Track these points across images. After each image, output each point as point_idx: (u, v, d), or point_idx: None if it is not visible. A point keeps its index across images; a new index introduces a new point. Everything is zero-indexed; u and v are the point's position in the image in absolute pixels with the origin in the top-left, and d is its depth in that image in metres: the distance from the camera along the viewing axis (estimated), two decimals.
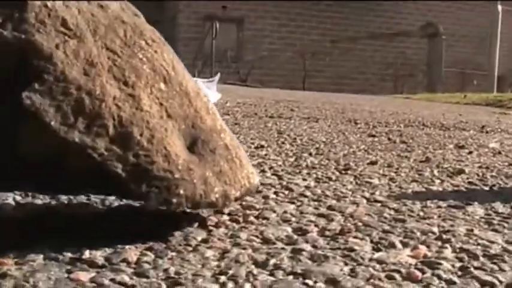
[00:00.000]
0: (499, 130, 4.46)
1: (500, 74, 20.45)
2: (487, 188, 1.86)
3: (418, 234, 1.23)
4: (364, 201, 1.54)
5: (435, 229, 1.27)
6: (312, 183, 1.76)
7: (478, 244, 1.18)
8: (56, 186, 1.07)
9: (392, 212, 1.42)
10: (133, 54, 1.18)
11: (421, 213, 1.42)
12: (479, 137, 3.73)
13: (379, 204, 1.50)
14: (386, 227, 1.27)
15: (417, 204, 1.52)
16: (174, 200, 1.07)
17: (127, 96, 1.11)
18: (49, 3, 1.13)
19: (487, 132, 4.29)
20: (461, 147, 3.00)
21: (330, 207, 1.44)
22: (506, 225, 1.36)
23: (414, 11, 25.36)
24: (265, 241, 1.14)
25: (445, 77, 21.40)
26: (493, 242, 1.20)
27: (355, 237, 1.19)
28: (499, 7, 18.80)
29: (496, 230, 1.30)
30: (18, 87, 1.02)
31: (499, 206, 1.56)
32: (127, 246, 1.05)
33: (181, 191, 1.08)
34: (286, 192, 1.62)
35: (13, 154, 1.03)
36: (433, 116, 5.63)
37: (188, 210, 1.14)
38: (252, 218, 1.30)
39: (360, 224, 1.29)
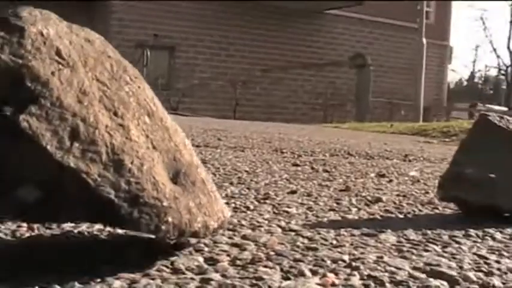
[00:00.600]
0: (422, 158, 4.59)
1: (426, 105, 21.02)
2: (401, 216, 1.91)
3: (329, 262, 1.25)
4: (279, 230, 1.56)
5: (346, 257, 1.30)
6: (229, 213, 1.77)
7: (386, 271, 1.21)
8: (48, 212, 1.06)
9: (305, 241, 1.44)
10: (120, 87, 1.22)
11: (334, 242, 1.45)
12: (401, 165, 3.82)
13: (293, 233, 1.52)
14: (298, 256, 1.29)
15: (331, 233, 1.54)
16: (163, 228, 1.10)
17: (117, 125, 1.15)
18: (44, 32, 1.14)
19: (409, 160, 4.40)
20: (382, 175, 3.07)
21: (244, 237, 1.45)
22: (415, 251, 1.40)
23: (344, 42, 25.90)
24: (175, 271, 1.14)
25: (373, 107, 21.86)
26: (400, 269, 1.23)
27: (265, 266, 1.20)
28: (424, 40, 19.38)
29: (404, 257, 1.34)
30: (15, 110, 1.02)
31: (411, 233, 1.60)
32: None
33: (170, 219, 1.11)
34: None
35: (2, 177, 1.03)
36: (359, 145, 5.74)
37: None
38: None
39: (272, 253, 1.30)
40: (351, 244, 1.43)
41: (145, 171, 1.12)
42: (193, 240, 1.32)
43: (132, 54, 20.79)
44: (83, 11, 19.63)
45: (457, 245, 1.50)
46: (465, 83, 57.35)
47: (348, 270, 1.19)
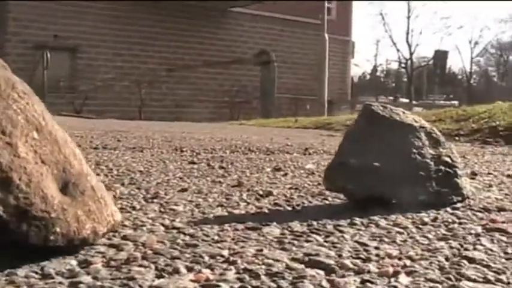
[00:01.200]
0: (322, 151, 4.64)
1: (330, 98, 21.44)
2: (290, 208, 1.91)
3: (206, 258, 1.23)
4: (162, 228, 1.53)
5: (225, 252, 1.29)
6: (119, 216, 1.73)
7: (263, 264, 1.20)
8: None
9: (186, 238, 1.42)
10: (8, 105, 1.26)
11: (216, 237, 1.43)
12: (299, 159, 3.86)
13: (175, 231, 1.49)
14: (176, 253, 1.27)
15: (214, 229, 1.53)
16: (52, 238, 1.17)
17: (5, 144, 1.19)
18: None
19: (309, 154, 4.45)
20: (278, 169, 3.08)
21: (124, 237, 1.41)
22: (296, 242, 1.40)
23: (248, 40, 26.08)
24: (44, 276, 1.09)
25: (279, 103, 22.09)
26: (278, 261, 1.23)
27: (140, 265, 1.17)
28: (326, 35, 19.75)
29: (284, 249, 1.34)
30: None
31: (296, 225, 1.61)
32: None
33: (58, 229, 1.18)
34: None
35: None
36: (261, 141, 5.76)
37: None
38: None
39: (149, 252, 1.28)
40: (233, 239, 1.42)
41: (34, 186, 1.18)
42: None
43: (32, 56, 20.21)
44: None
45: (339, 234, 1.51)
46: (368, 77, 58.91)
47: (225, 265, 1.18)
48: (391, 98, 39.25)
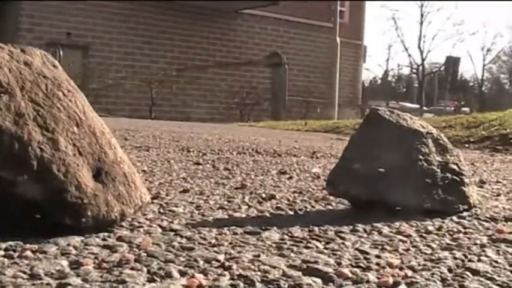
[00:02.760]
0: (329, 155, 4.60)
1: (340, 102, 21.36)
2: (292, 213, 1.88)
3: (201, 262, 1.20)
4: (159, 230, 1.50)
5: (221, 256, 1.25)
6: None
7: (259, 270, 1.17)
8: None
9: (183, 241, 1.39)
10: (53, 104, 1.44)
11: (213, 241, 1.40)
12: (306, 162, 3.82)
13: (172, 233, 1.46)
14: (170, 256, 1.23)
15: (213, 232, 1.49)
16: (83, 220, 1.37)
17: (48, 140, 1.37)
18: None
19: (317, 157, 4.41)
20: (284, 172, 3.05)
21: (119, 238, 1.38)
22: (295, 248, 1.37)
23: (260, 41, 26.02)
24: (32, 277, 1.06)
25: (289, 105, 21.99)
26: (274, 267, 1.19)
27: (132, 268, 1.14)
28: (338, 39, 19.68)
29: (283, 255, 1.30)
30: None
31: (296, 230, 1.57)
32: None
33: (89, 213, 1.38)
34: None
35: None
36: (269, 143, 5.73)
37: None
38: (28, 253, 1.22)
39: (143, 254, 1.24)
40: (230, 243, 1.39)
41: (70, 176, 1.37)
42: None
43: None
44: None
45: (340, 241, 1.48)
46: (379, 82, 58.77)
47: (220, 271, 1.15)
48: (401, 103, 39.11)
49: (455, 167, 1.99)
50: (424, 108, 37.10)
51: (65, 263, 1.16)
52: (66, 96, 1.49)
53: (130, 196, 1.50)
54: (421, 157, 1.94)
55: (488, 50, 65.54)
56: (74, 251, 1.24)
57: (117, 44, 22.58)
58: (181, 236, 1.43)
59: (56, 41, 20.90)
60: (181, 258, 1.22)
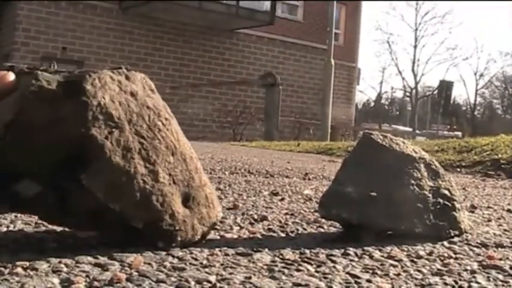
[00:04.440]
0: (321, 177, 4.61)
1: (333, 124, 21.39)
2: (283, 235, 1.88)
3: (193, 283, 1.20)
4: (151, 249, 1.50)
5: (212, 278, 1.25)
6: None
7: None
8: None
9: (174, 261, 1.39)
10: (155, 136, 1.49)
11: (205, 262, 1.40)
12: (298, 184, 3.82)
13: (164, 253, 1.46)
14: (162, 276, 1.23)
15: (204, 252, 1.49)
16: (174, 244, 1.50)
17: (149, 172, 1.45)
18: (102, 102, 1.38)
19: (309, 179, 4.41)
20: (276, 194, 3.05)
21: (110, 257, 1.38)
22: (286, 271, 1.37)
23: (254, 61, 26.14)
24: None
25: (282, 126, 22.03)
26: None
27: (123, 287, 1.13)
28: (332, 61, 19.75)
29: (274, 277, 1.30)
30: (77, 169, 1.33)
31: (288, 252, 1.57)
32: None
33: (179, 238, 1.50)
34: (70, 240, 1.54)
35: (64, 209, 1.39)
36: (261, 163, 5.74)
37: None
38: (19, 270, 1.21)
39: (135, 273, 1.24)
40: (222, 264, 1.39)
41: (166, 206, 1.46)
42: None
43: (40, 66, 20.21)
44: None
45: (332, 264, 1.48)
46: (372, 104, 59.00)
47: None
48: (394, 126, 39.25)
49: (447, 192, 2.00)
50: (417, 131, 37.23)
51: (56, 280, 1.16)
52: (164, 125, 1.54)
53: (210, 217, 1.61)
54: (413, 182, 1.95)
55: (481, 75, 66.05)
56: (65, 269, 1.24)
57: (112, 60, 22.61)
58: (173, 256, 1.43)
59: (51, 55, 20.94)
60: (173, 279, 1.22)
